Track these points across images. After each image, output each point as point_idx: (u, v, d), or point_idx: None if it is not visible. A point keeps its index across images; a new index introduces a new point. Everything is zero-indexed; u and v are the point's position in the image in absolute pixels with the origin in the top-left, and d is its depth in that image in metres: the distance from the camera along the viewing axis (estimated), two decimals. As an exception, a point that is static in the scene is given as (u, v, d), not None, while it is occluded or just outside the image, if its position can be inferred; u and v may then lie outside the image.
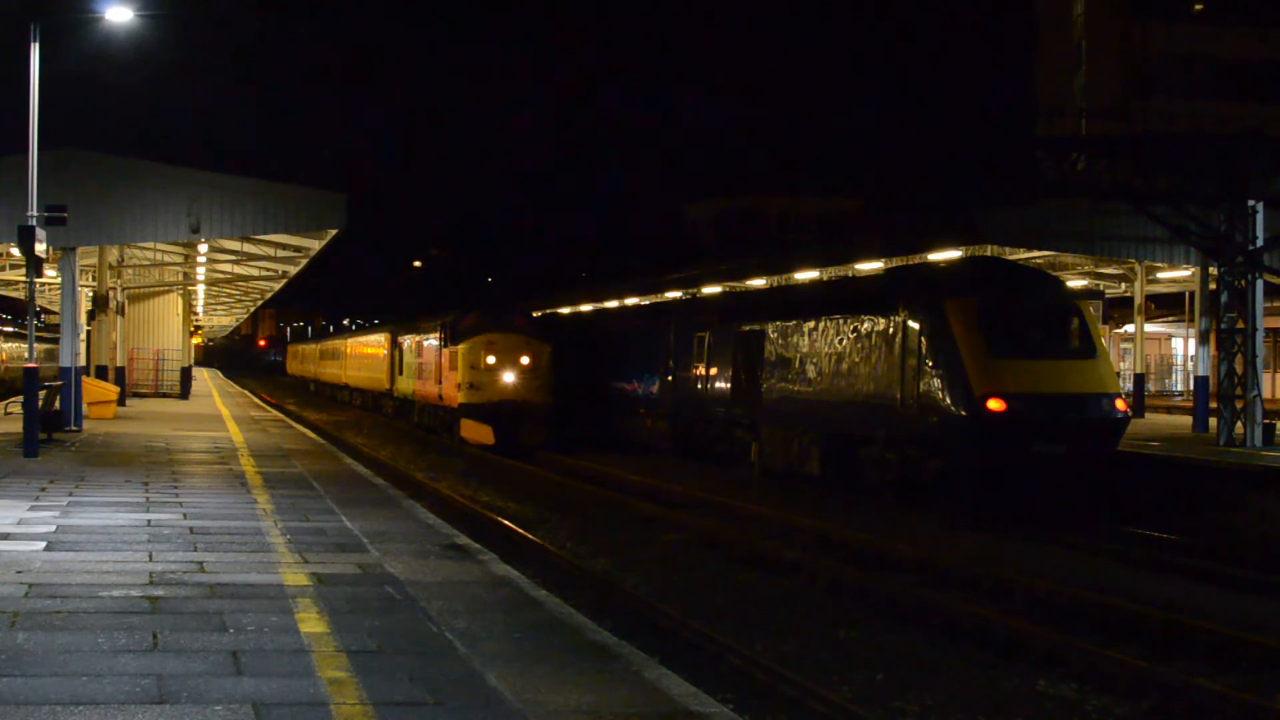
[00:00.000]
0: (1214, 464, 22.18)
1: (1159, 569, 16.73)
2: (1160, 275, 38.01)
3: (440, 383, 37.10)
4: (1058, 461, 20.55)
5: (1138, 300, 38.10)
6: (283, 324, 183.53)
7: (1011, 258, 33.25)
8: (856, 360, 23.54)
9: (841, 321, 24.28)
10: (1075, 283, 37.46)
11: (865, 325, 23.40)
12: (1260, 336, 27.24)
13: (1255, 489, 20.62)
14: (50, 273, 31.73)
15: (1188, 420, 33.64)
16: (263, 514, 14.81)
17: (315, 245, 36.73)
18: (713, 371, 30.17)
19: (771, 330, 27.08)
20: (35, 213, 22.60)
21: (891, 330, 22.51)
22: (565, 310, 54.39)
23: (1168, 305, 49.72)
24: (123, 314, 43.67)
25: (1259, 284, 27.15)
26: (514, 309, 37.94)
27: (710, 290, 41.92)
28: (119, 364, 41.64)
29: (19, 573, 10.59)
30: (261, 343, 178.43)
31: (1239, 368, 26.71)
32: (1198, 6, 65.25)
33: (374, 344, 52.55)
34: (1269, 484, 20.52)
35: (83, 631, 8.50)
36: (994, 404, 20.40)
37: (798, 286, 34.58)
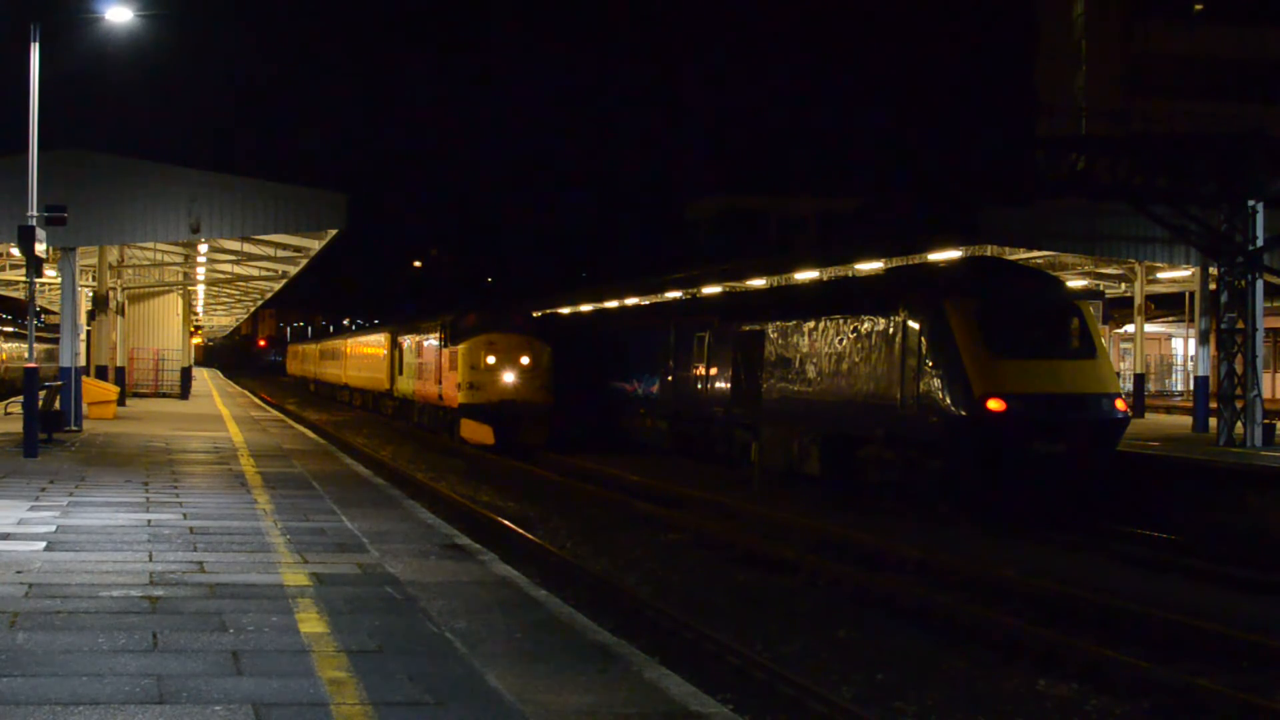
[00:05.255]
0: (1214, 464, 22.17)
1: (1159, 569, 16.74)
2: (1160, 275, 37.98)
3: (440, 383, 37.10)
4: (1058, 461, 20.55)
5: (1138, 300, 38.08)
6: (283, 324, 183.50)
7: (1011, 258, 33.23)
8: (856, 360, 23.54)
9: (841, 321, 24.28)
10: (1075, 283, 37.44)
11: (865, 325, 23.40)
12: (1260, 336, 27.21)
13: (1255, 489, 20.61)
14: (50, 273, 31.73)
15: (1188, 420, 33.62)
16: (263, 514, 14.81)
17: (315, 245, 36.71)
18: (713, 371, 30.17)
19: (771, 330, 27.07)
20: (35, 213, 22.59)
21: (891, 330, 22.51)
22: (565, 310, 54.38)
23: (1168, 305, 49.67)
24: (123, 314, 43.65)
25: (1259, 284, 27.13)
26: (514, 309, 37.95)
27: (710, 290, 41.90)
28: (119, 364, 41.61)
29: (19, 573, 10.59)
30: (261, 343, 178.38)
31: (1239, 368, 26.69)
32: (1198, 6, 65.26)
33: (374, 344, 52.55)
34: (1269, 484, 20.51)
35: (83, 631, 8.49)
36: (994, 404, 20.40)
37: (798, 286, 34.56)
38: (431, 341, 39.04)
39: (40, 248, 22.34)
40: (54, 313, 56.55)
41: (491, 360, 34.10)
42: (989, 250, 33.07)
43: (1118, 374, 26.06)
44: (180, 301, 52.41)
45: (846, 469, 23.91)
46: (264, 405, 50.36)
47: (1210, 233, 27.05)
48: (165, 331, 51.47)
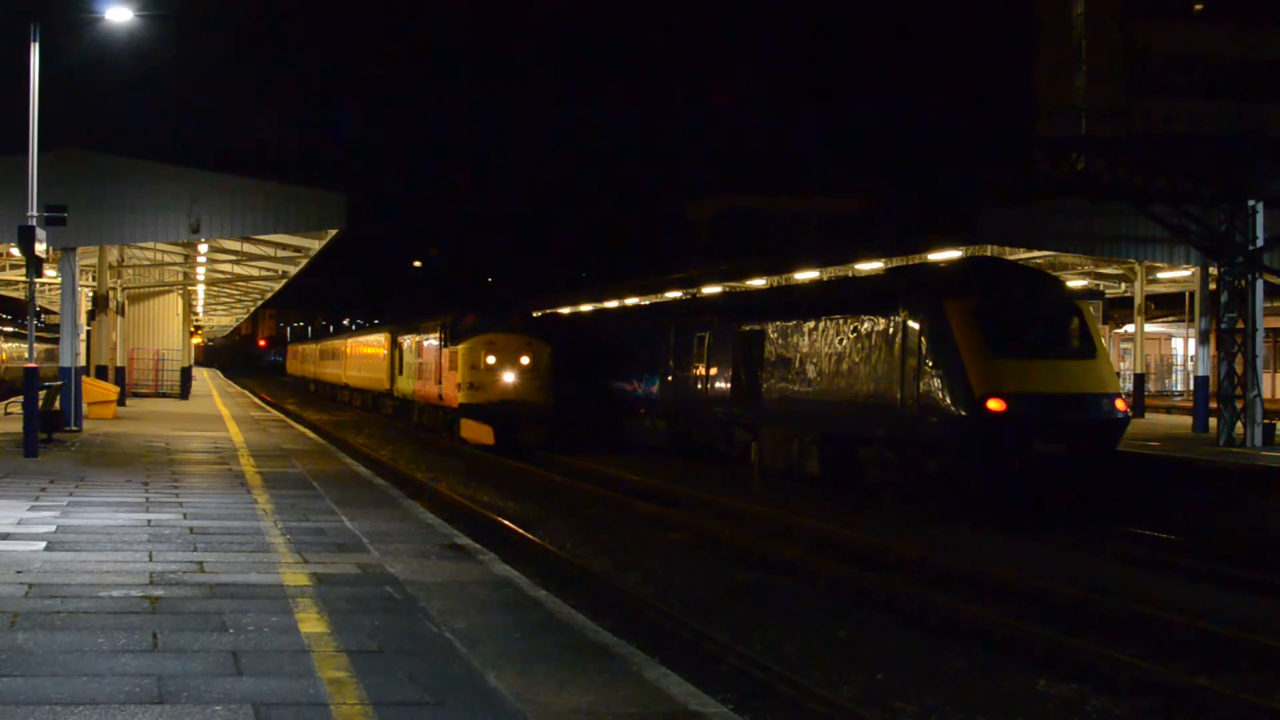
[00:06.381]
0: (1214, 464, 22.17)
1: (1159, 569, 16.74)
2: (1160, 275, 38.01)
3: (440, 383, 37.10)
4: (1058, 461, 20.54)
5: (1138, 300, 38.10)
6: (283, 324, 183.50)
7: (1011, 258, 33.24)
8: (856, 360, 23.54)
9: (841, 321, 24.28)
10: (1075, 283, 37.46)
11: (865, 325, 23.40)
12: (1260, 336, 27.22)
13: (1255, 489, 20.62)
14: (50, 273, 31.73)
15: (1188, 420, 33.63)
16: (263, 514, 14.81)
17: (315, 245, 36.73)
18: (713, 371, 30.17)
19: (771, 330, 27.07)
20: (35, 213, 22.60)
21: (891, 330, 22.51)
22: (565, 310, 54.39)
23: (1168, 305, 49.70)
24: (123, 314, 43.67)
25: (1259, 284, 27.14)
26: (514, 309, 37.96)
27: (710, 290, 41.92)
28: (119, 364, 41.61)
29: (19, 573, 10.58)
30: (261, 343, 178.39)
31: (1239, 368, 26.70)
32: (1198, 6, 65.23)
33: (374, 344, 52.56)
34: (1269, 484, 20.51)
35: (83, 631, 8.49)
36: (994, 404, 20.39)
37: (798, 286, 34.58)
38: (431, 341, 39.04)
39: (40, 248, 22.34)
40: (54, 313, 56.56)
41: (491, 360, 34.11)
42: (989, 250, 33.09)
43: (1118, 374, 26.06)
44: (180, 301, 52.43)
45: (846, 469, 23.91)
46: (264, 405, 50.36)
47: (1210, 233, 27.05)
48: (165, 331, 51.49)
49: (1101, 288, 41.18)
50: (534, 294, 69.33)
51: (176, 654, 7.96)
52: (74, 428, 27.52)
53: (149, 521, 13.90)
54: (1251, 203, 26.59)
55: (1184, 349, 57.83)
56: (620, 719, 6.96)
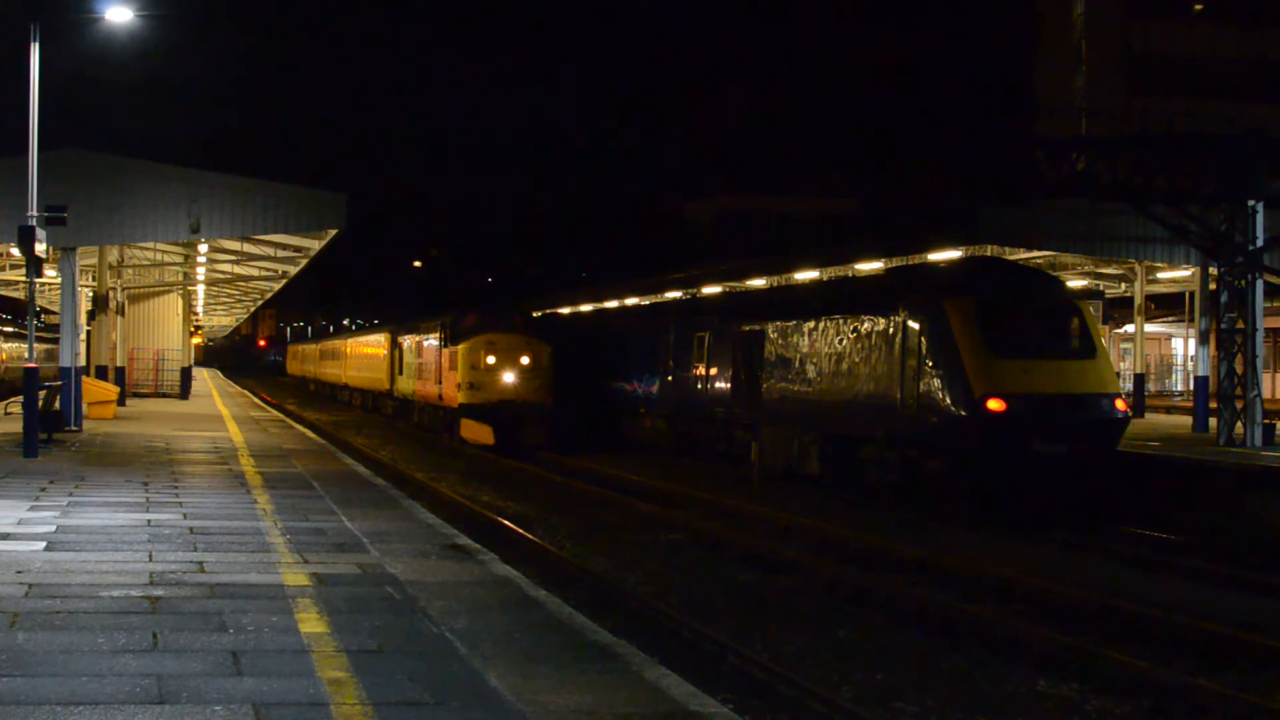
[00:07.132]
0: (1214, 464, 22.17)
1: (1159, 569, 16.74)
2: (1160, 275, 38.01)
3: (440, 383, 37.11)
4: (1058, 461, 20.55)
5: (1138, 300, 38.10)
6: (283, 324, 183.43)
7: (1011, 258, 33.25)
8: (856, 360, 23.54)
9: (841, 321, 24.28)
10: (1075, 283, 37.46)
11: (865, 325, 23.40)
12: (1260, 336, 27.22)
13: (1255, 489, 20.62)
14: (50, 273, 31.73)
15: (1188, 420, 33.64)
16: (262, 514, 14.81)
17: (315, 245, 36.73)
18: (713, 371, 30.17)
19: (771, 330, 27.07)
20: (35, 213, 22.60)
21: (891, 330, 22.51)
22: (565, 310, 54.38)
23: (1168, 305, 49.72)
24: (123, 314, 43.65)
25: (1259, 284, 27.14)
26: (514, 309, 37.96)
27: (710, 290, 41.90)
28: (119, 364, 41.61)
29: (19, 573, 10.58)
30: (261, 343, 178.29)
31: (1239, 368, 26.71)
32: (1198, 6, 65.27)
33: (374, 344, 52.55)
34: (1269, 484, 20.52)
35: (83, 631, 8.49)
36: (994, 404, 20.40)
37: (798, 286, 34.56)
38: (431, 341, 39.04)
39: (40, 248, 22.35)
40: (54, 313, 56.56)
41: (491, 360, 34.11)
42: (989, 250, 33.09)
43: (1118, 374, 26.07)
44: (180, 301, 52.40)
45: (846, 469, 23.91)
46: (264, 405, 50.36)
47: (1210, 233, 27.06)
48: (165, 331, 51.47)
49: (1101, 288, 41.18)
50: (534, 294, 69.28)
51: (176, 654, 7.96)
52: (74, 428, 27.51)
53: (149, 521, 13.90)
54: (1251, 203, 26.60)
55: (1184, 349, 57.83)
56: (620, 719, 6.97)
